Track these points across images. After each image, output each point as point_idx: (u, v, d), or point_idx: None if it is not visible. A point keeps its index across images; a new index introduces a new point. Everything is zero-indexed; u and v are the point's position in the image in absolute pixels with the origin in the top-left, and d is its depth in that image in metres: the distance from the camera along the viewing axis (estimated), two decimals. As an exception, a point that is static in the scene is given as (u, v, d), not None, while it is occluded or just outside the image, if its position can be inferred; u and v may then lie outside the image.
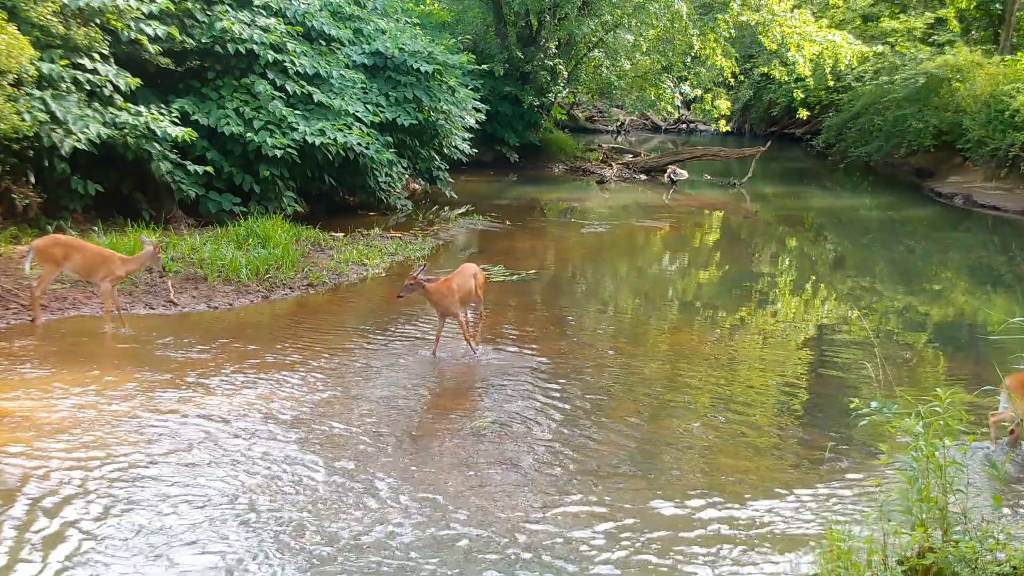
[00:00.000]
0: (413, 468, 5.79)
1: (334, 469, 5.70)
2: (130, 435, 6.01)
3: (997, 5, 27.33)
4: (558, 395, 7.25)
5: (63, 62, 10.45)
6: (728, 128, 28.34)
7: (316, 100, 13.35)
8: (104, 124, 10.53)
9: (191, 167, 11.73)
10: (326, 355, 7.91)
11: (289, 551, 4.73)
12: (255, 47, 12.72)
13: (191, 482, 5.40)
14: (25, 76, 9.60)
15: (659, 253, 14.80)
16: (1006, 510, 5.42)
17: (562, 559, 4.77)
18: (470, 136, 17.68)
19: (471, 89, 17.67)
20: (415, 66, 15.30)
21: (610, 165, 23.66)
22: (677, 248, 15.08)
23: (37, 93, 9.95)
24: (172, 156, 11.59)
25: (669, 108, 26.48)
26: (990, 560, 3.76)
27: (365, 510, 5.19)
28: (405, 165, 15.73)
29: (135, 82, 11.17)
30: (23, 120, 9.39)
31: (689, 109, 32.87)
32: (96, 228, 10.65)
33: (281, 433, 6.20)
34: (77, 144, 10.10)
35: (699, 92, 26.15)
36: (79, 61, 10.70)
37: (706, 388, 7.70)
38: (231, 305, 9.41)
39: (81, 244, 8.70)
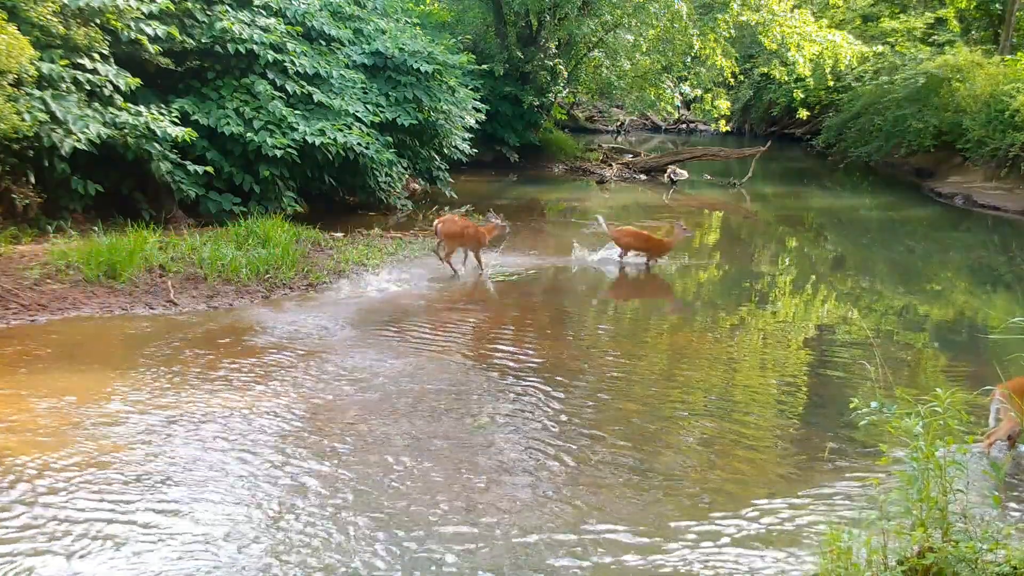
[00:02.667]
0: (414, 468, 5.79)
1: (328, 470, 5.70)
2: (123, 440, 6.01)
3: (997, 5, 27.33)
4: (557, 394, 7.25)
5: (63, 62, 10.45)
6: (728, 128, 28.34)
7: (316, 100, 13.34)
8: (104, 124, 10.53)
9: (191, 167, 11.73)
10: (324, 354, 7.91)
11: (281, 553, 4.73)
12: (255, 47, 12.72)
13: (181, 487, 5.40)
14: (25, 76, 9.60)
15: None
16: (1008, 512, 5.42)
17: (561, 560, 4.77)
18: (470, 136, 17.67)
19: (471, 89, 17.66)
20: (415, 66, 15.30)
21: (610, 165, 23.66)
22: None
23: (37, 93, 9.94)
24: (172, 156, 11.59)
25: (669, 108, 26.47)
26: (990, 560, 3.76)
27: (358, 512, 5.19)
28: (405, 165, 15.72)
29: (135, 82, 11.17)
30: (23, 120, 9.39)
31: (689, 109, 32.86)
32: (96, 228, 10.65)
33: (277, 434, 6.20)
34: (77, 144, 10.10)
35: (699, 92, 26.15)
36: (79, 61, 10.69)
37: (705, 388, 7.71)
38: (231, 305, 9.42)
39: (468, 223, 11.67)
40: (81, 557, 4.57)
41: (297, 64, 13.29)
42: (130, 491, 5.27)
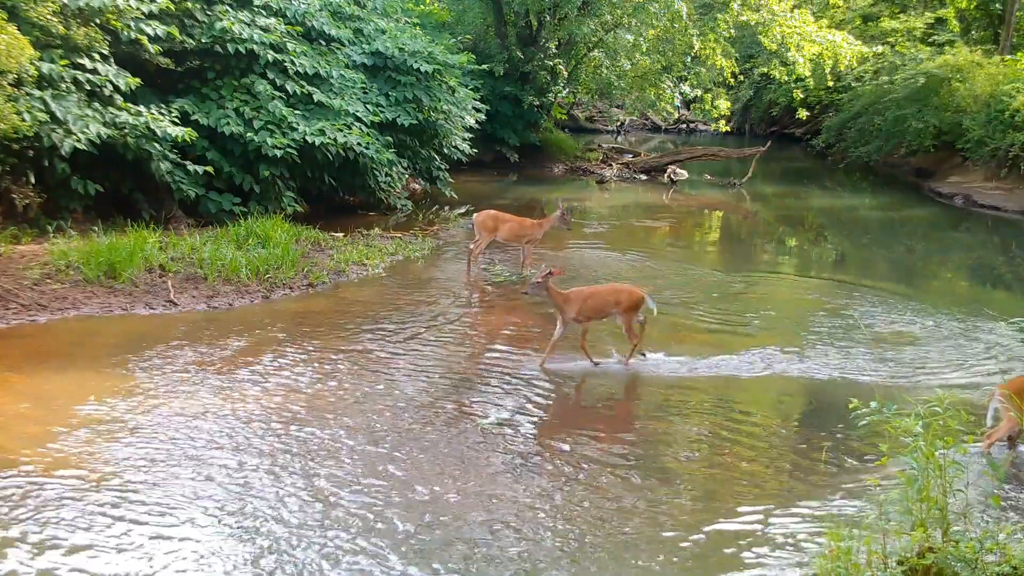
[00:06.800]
0: (419, 465, 5.79)
1: (328, 469, 5.70)
2: (122, 441, 6.01)
3: (997, 5, 27.34)
4: (559, 395, 7.25)
5: (63, 62, 10.45)
6: (728, 128, 28.32)
7: (316, 100, 13.34)
8: (104, 124, 10.52)
9: (191, 167, 11.72)
10: (324, 355, 7.91)
11: (282, 554, 4.74)
12: (255, 47, 12.71)
13: (178, 490, 5.40)
14: (25, 76, 9.59)
15: (659, 253, 14.77)
16: (1006, 509, 5.42)
17: (559, 562, 4.77)
18: (470, 136, 17.67)
19: (471, 89, 17.65)
20: (415, 66, 15.30)
21: (610, 165, 23.65)
22: (677, 248, 15.07)
23: (37, 93, 9.93)
24: (172, 156, 11.58)
25: (669, 108, 26.47)
26: (990, 560, 3.77)
27: (359, 512, 5.19)
28: (405, 165, 15.71)
29: (135, 82, 11.17)
30: (23, 120, 9.38)
31: (689, 109, 32.85)
32: (96, 228, 10.65)
33: (277, 434, 6.20)
34: (77, 144, 10.09)
35: (699, 92, 26.15)
36: (79, 61, 10.69)
37: (706, 389, 7.70)
38: (231, 305, 9.42)
39: (508, 217, 11.57)
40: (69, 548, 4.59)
41: (297, 64, 13.28)
42: (122, 494, 5.27)
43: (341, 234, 12.62)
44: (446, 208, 16.51)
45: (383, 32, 16.02)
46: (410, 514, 5.16)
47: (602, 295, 7.99)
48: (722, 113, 25.96)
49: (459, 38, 20.93)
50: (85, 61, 10.75)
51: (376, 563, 4.64)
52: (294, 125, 12.58)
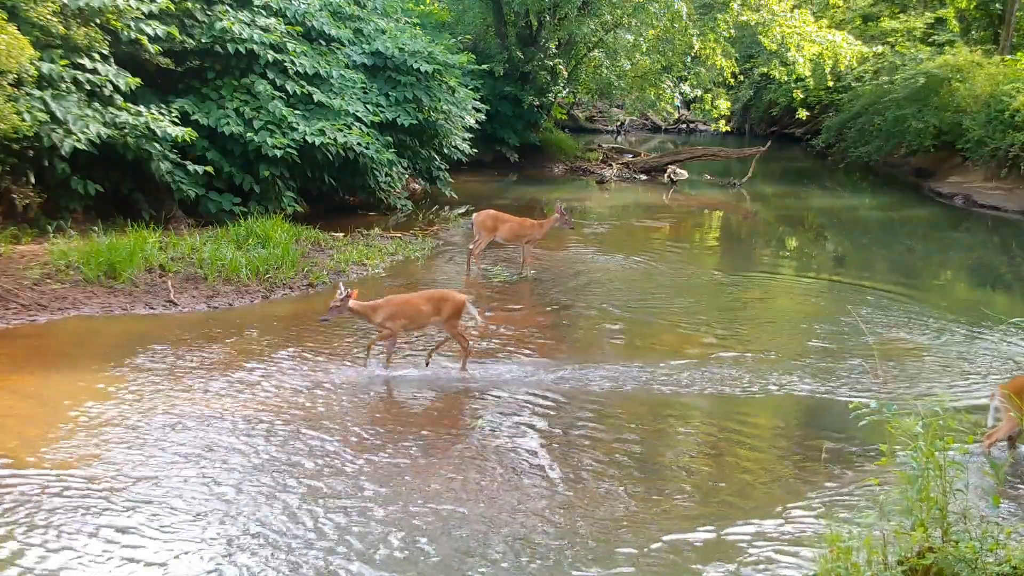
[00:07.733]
0: (412, 464, 5.79)
1: (324, 468, 5.70)
2: (120, 442, 6.00)
3: (997, 5, 27.33)
4: (554, 396, 7.25)
5: (63, 62, 10.45)
6: (728, 128, 28.31)
7: (316, 100, 13.34)
8: (104, 124, 10.53)
9: (191, 167, 11.73)
10: (323, 356, 7.91)
11: (271, 549, 4.74)
12: (255, 47, 12.72)
13: (173, 492, 5.40)
14: (25, 76, 9.60)
15: (659, 253, 14.78)
16: (1006, 509, 5.42)
17: (556, 564, 4.76)
18: (470, 136, 17.67)
19: (471, 89, 17.66)
20: (415, 66, 15.30)
21: (610, 165, 23.65)
22: (677, 248, 15.06)
23: (37, 93, 9.94)
24: (172, 156, 11.59)
25: (669, 108, 26.48)
26: (990, 560, 3.76)
27: (353, 510, 5.19)
28: (405, 165, 15.72)
29: (135, 82, 11.17)
30: (23, 120, 9.39)
31: (689, 109, 32.85)
32: (96, 228, 10.65)
33: (273, 439, 6.20)
34: (77, 144, 10.09)
35: (699, 92, 26.15)
36: (79, 61, 10.70)
37: (705, 389, 7.69)
38: (231, 305, 9.42)
39: (507, 217, 11.62)
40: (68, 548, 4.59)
41: (297, 64, 13.29)
42: (118, 497, 5.27)
43: (341, 234, 12.63)
44: (446, 208, 16.51)
45: (383, 32, 16.03)
46: (397, 516, 5.16)
47: (416, 303, 7.63)
48: (722, 113, 25.97)
49: (459, 38, 20.94)
50: (85, 61, 10.75)
51: None
52: (294, 125, 12.58)
